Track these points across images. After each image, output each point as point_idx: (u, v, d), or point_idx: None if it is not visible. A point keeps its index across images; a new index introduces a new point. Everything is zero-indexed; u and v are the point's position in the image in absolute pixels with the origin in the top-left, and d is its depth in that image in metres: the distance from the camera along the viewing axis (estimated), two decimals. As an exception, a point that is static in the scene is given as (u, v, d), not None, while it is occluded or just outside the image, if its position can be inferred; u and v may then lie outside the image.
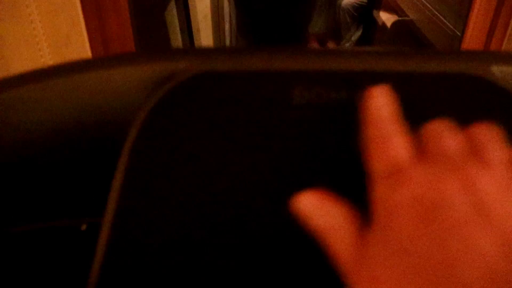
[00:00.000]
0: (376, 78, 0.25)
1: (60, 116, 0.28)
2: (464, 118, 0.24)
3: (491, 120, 0.24)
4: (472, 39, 0.92)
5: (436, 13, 1.68)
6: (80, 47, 0.71)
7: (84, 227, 0.37)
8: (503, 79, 0.26)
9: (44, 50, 0.66)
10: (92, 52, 0.73)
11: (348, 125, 0.25)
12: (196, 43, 2.03)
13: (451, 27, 1.52)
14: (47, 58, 0.67)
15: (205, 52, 0.27)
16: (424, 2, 1.81)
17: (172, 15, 1.73)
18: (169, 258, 0.27)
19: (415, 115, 0.25)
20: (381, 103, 0.23)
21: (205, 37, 2.10)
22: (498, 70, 0.26)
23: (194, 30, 2.02)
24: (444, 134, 0.22)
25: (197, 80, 0.26)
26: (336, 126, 0.26)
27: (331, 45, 2.75)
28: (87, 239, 0.30)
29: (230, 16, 2.14)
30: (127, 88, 0.27)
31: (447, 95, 0.26)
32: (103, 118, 0.28)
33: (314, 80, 0.25)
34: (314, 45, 2.74)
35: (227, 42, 2.27)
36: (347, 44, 2.57)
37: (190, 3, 1.89)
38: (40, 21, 0.65)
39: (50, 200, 0.32)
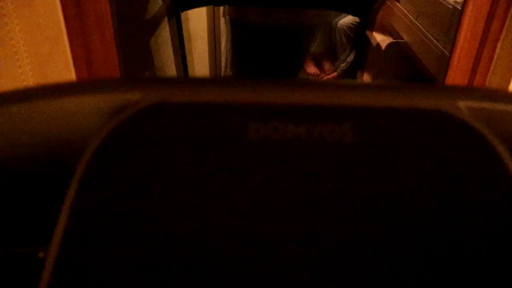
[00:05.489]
0: (337, 112, 0.24)
1: (13, 144, 0.27)
2: (427, 154, 0.24)
3: (455, 156, 0.23)
4: (460, 60, 0.92)
5: (430, 36, 1.69)
6: (62, 66, 0.70)
7: (41, 254, 0.35)
8: (469, 115, 0.25)
9: (25, 67, 0.66)
10: (75, 72, 0.72)
11: (306, 162, 0.24)
12: (190, 65, 2.04)
13: (445, 51, 1.53)
14: (28, 75, 0.67)
15: (158, 82, 0.26)
16: (418, 25, 1.83)
17: (162, 39, 1.74)
18: None
19: (377, 150, 0.24)
20: None
21: (201, 60, 2.11)
22: (465, 106, 0.26)
23: (191, 52, 2.03)
24: None
25: (150, 111, 0.25)
26: (293, 162, 0.25)
27: (326, 65, 2.77)
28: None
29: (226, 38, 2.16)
30: (77, 118, 0.26)
31: (411, 130, 0.25)
32: (55, 147, 0.27)
33: (270, 114, 0.24)
34: (310, 65, 2.76)
35: (223, 66, 2.28)
36: (343, 65, 2.59)
37: (184, 29, 1.90)
38: (21, 38, 0.64)
39: (11, 227, 0.31)
